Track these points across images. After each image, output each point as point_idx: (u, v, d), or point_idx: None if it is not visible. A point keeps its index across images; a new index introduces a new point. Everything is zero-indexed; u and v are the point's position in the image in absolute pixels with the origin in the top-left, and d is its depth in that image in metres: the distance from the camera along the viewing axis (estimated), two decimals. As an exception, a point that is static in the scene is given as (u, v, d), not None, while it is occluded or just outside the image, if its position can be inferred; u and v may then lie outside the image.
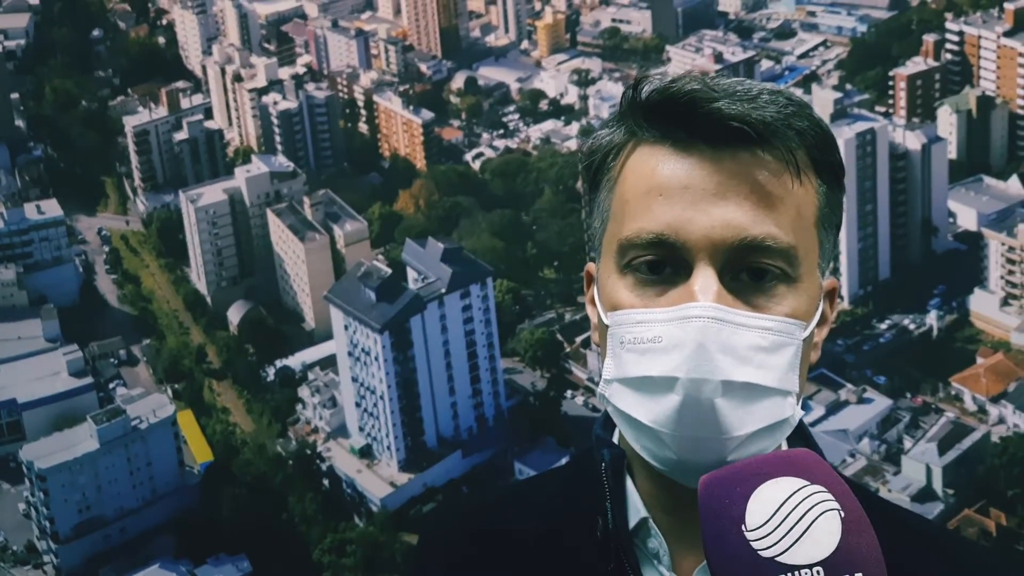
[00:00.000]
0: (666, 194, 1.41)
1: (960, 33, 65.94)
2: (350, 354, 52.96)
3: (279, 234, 62.97)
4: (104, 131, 73.09)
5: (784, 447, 1.49)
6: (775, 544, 1.24)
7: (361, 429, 53.13)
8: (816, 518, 1.25)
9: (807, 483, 1.27)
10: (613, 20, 78.03)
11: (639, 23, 77.20)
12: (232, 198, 63.66)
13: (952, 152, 61.69)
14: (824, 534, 1.25)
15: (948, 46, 66.48)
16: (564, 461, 1.64)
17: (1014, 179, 59.11)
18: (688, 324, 1.37)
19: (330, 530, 47.50)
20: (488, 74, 76.53)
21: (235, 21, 79.85)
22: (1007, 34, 63.69)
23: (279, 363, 57.23)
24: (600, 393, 1.46)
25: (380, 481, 50.90)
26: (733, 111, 1.40)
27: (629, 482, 1.49)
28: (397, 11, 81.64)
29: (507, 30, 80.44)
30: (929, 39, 66.67)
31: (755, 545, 1.25)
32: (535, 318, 58.41)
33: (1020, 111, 62.69)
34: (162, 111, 71.03)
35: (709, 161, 1.41)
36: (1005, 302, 53.93)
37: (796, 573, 1.23)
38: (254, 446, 52.71)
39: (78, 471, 48.70)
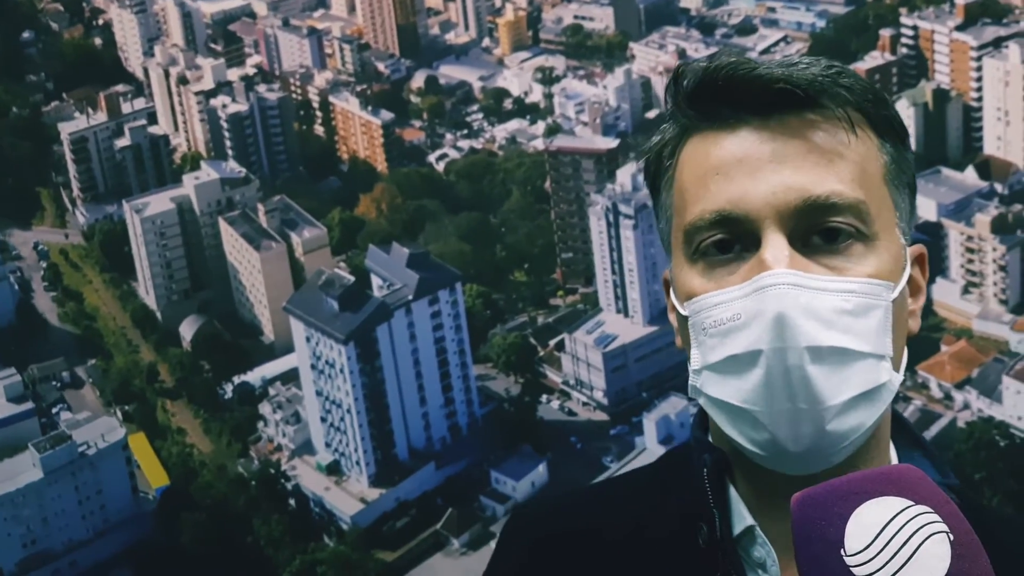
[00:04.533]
0: (722, 171, 1.44)
1: (914, 28, 69.07)
2: (313, 367, 52.98)
3: (232, 243, 62.71)
4: (38, 139, 72.03)
5: (894, 454, 1.51)
6: (878, 570, 1.20)
7: (328, 445, 53.10)
8: (923, 541, 1.21)
9: (911, 503, 1.23)
10: (575, 17, 79.68)
11: (601, 20, 78.93)
12: (180, 207, 63.25)
13: (911, 144, 64.47)
14: (932, 559, 1.20)
15: (904, 40, 69.55)
16: (654, 459, 1.66)
17: (970, 170, 62.11)
18: (764, 294, 1.37)
19: (299, 552, 47.44)
20: (449, 73, 77.35)
21: (178, 20, 79.43)
22: (959, 28, 66.74)
23: (237, 379, 56.96)
24: (691, 385, 1.47)
25: (350, 498, 50.95)
26: (776, 75, 1.43)
27: (731, 488, 1.50)
28: (351, 8, 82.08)
29: (467, 27, 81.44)
30: (885, 34, 69.68)
31: (856, 571, 1.20)
32: (507, 322, 59.16)
33: (973, 103, 65.56)
34: (101, 117, 70.24)
35: (759, 130, 1.44)
36: (966, 290, 56.62)
37: None
38: (213, 468, 52.35)
39: (21, 503, 47.87)
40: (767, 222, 1.41)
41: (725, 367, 1.40)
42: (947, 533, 1.22)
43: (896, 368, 1.42)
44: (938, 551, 1.20)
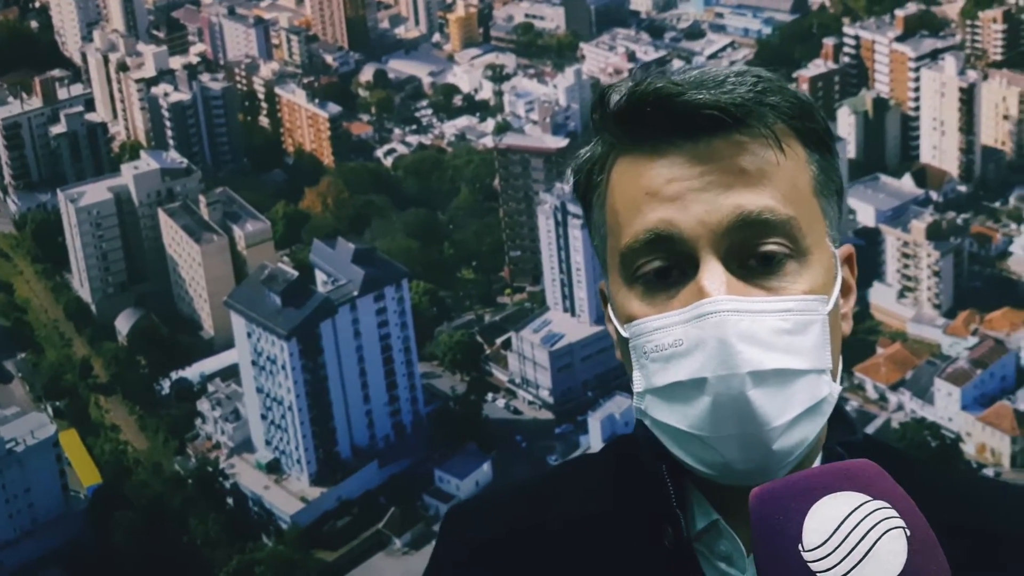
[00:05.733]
0: (652, 193, 1.47)
1: (856, 37, 71.11)
2: (254, 363, 52.27)
3: (172, 236, 61.46)
4: (-33, 124, 69.53)
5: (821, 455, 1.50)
6: (836, 566, 1.22)
7: (268, 443, 52.43)
8: (880, 537, 1.23)
9: (869, 498, 1.25)
10: (526, 16, 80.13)
11: (552, 19, 79.50)
12: (118, 197, 61.77)
13: (851, 151, 66.58)
14: (889, 554, 1.22)
15: (846, 49, 71.59)
16: (595, 451, 1.66)
17: (907, 177, 64.38)
18: (705, 321, 1.40)
19: (236, 551, 46.72)
20: (399, 67, 76.96)
21: (119, 5, 77.45)
22: (898, 39, 69.02)
23: (175, 375, 55.86)
24: (635, 407, 1.49)
25: (290, 497, 50.37)
26: (703, 100, 1.45)
27: (690, 484, 1.51)
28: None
29: (417, 22, 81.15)
30: (828, 43, 71.68)
31: (814, 567, 1.22)
32: (453, 320, 59.09)
33: (911, 113, 67.87)
34: (36, 102, 68.21)
35: (689, 154, 1.46)
36: (901, 294, 58.70)
37: None
38: (149, 466, 51.29)
39: (-57, 501, 46.27)
40: (701, 241, 1.43)
41: (669, 393, 1.43)
42: (904, 529, 1.23)
43: (834, 377, 1.46)
44: (895, 547, 1.22)
